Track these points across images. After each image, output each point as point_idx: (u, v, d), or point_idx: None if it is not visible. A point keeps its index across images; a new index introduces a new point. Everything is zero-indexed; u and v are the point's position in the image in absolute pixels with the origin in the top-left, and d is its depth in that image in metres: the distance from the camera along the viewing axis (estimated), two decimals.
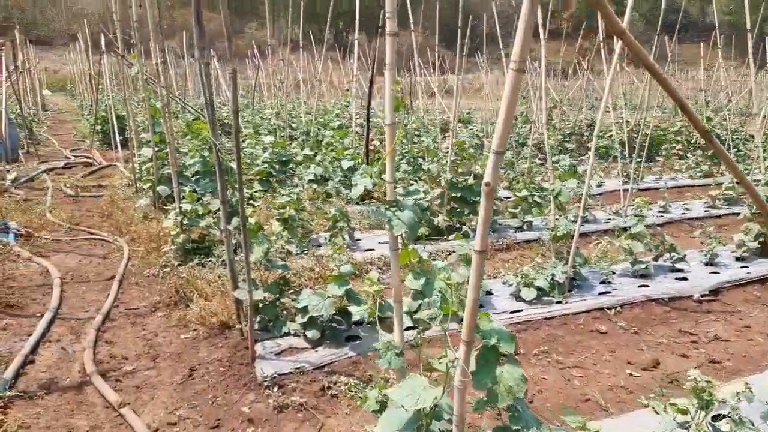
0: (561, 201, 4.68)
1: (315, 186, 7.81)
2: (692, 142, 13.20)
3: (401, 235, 2.21)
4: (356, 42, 8.20)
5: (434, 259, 5.47)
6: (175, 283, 4.77)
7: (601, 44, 8.31)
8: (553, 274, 4.49)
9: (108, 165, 11.30)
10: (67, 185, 9.34)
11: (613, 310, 4.47)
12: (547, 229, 6.72)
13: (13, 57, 12.92)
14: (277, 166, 7.57)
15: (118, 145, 11.64)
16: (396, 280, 2.45)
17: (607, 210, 7.62)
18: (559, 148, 12.14)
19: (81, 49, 17.76)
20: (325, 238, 6.18)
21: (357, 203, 7.73)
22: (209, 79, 3.59)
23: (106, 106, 13.39)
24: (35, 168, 10.85)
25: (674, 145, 12.95)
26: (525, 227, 6.78)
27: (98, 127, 13.79)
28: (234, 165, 3.58)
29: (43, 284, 5.10)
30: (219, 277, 4.94)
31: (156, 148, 6.87)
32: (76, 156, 12.59)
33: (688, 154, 12.62)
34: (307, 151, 8.03)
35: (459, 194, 6.28)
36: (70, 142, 15.71)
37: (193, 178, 6.51)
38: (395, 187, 2.42)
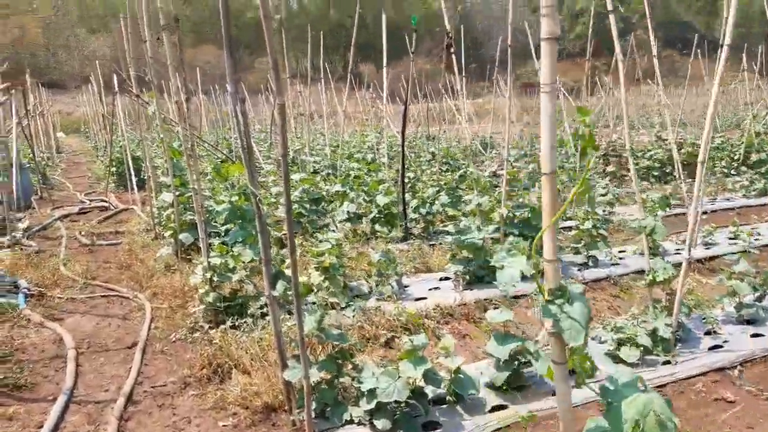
0: (656, 239, 3.98)
1: (349, 224, 7.17)
2: (735, 158, 12.47)
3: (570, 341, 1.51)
4: (385, 69, 7.64)
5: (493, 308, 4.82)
6: (207, 353, 4.10)
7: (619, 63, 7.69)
8: (655, 328, 3.77)
9: (124, 209, 10.77)
10: (82, 233, 8.79)
11: (734, 370, 3.73)
12: (614, 265, 6.03)
13: (24, 101, 12.55)
14: (307, 206, 6.95)
15: (134, 186, 11.14)
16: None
17: (674, 240, 6.89)
18: (597, 171, 11.46)
19: (94, 90, 17.47)
20: (369, 286, 5.50)
21: (399, 241, 7.07)
22: (246, 119, 2.97)
23: (120, 147, 12.94)
24: (49, 215, 10.33)
25: (717, 162, 12.21)
26: (590, 263, 6.07)
27: (113, 169, 13.34)
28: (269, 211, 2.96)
29: (56, 356, 4.45)
30: (258, 341, 4.27)
31: (177, 193, 6.29)
32: (91, 200, 12.11)
33: (732, 171, 11.88)
34: (338, 187, 7.42)
35: (516, 230, 5.60)
36: (85, 185, 15.29)
37: (222, 227, 5.90)
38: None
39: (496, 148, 16.88)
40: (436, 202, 7.69)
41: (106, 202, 11.53)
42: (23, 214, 10.06)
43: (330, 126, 17.76)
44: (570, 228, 7.50)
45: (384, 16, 7.95)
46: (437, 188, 7.88)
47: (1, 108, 7.47)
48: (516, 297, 5.46)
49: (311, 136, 15.12)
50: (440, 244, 7.12)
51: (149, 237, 8.16)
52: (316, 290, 4.89)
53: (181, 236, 6.22)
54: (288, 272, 3.97)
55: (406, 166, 7.24)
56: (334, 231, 7.30)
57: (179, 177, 6.35)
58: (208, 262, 4.57)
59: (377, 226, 7.37)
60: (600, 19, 12.70)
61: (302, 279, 4.80)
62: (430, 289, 5.53)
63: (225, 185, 5.00)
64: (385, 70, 7.63)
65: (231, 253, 4.78)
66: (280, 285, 3.15)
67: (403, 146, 7.17)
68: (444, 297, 5.34)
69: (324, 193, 7.33)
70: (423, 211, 7.53)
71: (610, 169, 11.65)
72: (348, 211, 7.16)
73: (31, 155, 13.23)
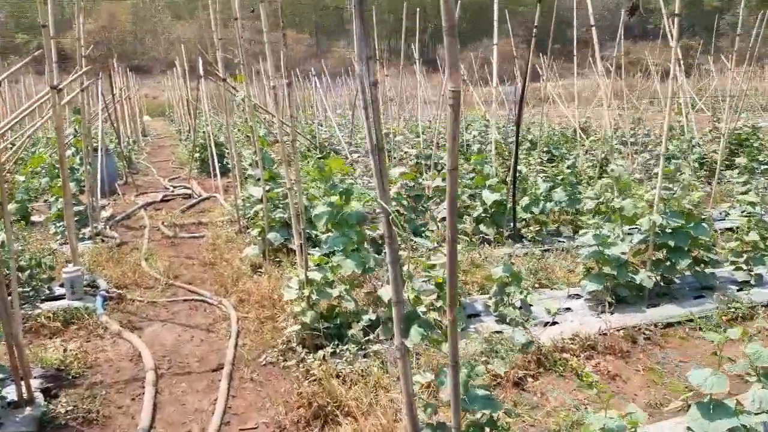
0: None
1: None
2: None
3: None
4: (495, 47, 6.67)
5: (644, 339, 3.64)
6: (305, 392, 3.38)
7: None
8: None
9: (207, 197, 10.39)
10: (165, 223, 8.40)
11: None
12: None
13: (110, 85, 12.44)
14: (405, 203, 6.15)
15: (218, 173, 10.74)
16: None
17: None
18: (726, 162, 10.00)
19: (178, 74, 17.40)
20: (484, 303, 4.66)
21: (507, 244, 6.17)
22: (377, 105, 2.17)
23: (204, 132, 12.63)
24: (132, 203, 10.09)
25: None
26: (753, 282, 4.94)
27: (196, 155, 13.07)
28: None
29: (133, 378, 3.89)
30: (363, 376, 3.52)
31: (266, 188, 5.64)
32: (174, 186, 11.87)
33: None
34: (438, 182, 6.57)
35: (671, 241, 4.56)
36: (169, 169, 15.21)
37: (324, 235, 5.21)
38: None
39: (592, 134, 15.43)
40: (550, 199, 6.70)
41: (188, 188, 11.23)
42: (107, 201, 9.86)
43: (408, 111, 16.91)
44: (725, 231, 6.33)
45: None
46: (550, 183, 6.87)
47: (84, 93, 7.08)
48: (669, 325, 4.45)
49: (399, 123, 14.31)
50: (558, 250, 6.16)
51: (233, 230, 7.65)
52: (426, 310, 4.09)
53: (269, 235, 5.58)
54: (421, 310, 3.22)
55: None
56: (432, 231, 6.48)
57: (268, 170, 5.70)
58: (306, 276, 3.85)
59: (482, 227, 6.48)
60: None
61: (406, 293, 4.02)
62: (559, 311, 4.61)
63: (329, 188, 4.24)
64: (495, 48, 6.66)
65: (330, 263, 4.04)
66: (416, 333, 2.36)
67: (517, 135, 6.22)
68: (580, 322, 4.40)
69: (424, 189, 6.50)
70: (535, 210, 6.56)
71: (740, 160, 10.14)
72: None
73: (116, 140, 13.15)
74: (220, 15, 7.65)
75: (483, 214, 6.47)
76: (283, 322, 4.49)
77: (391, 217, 2.22)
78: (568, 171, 7.03)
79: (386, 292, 3.91)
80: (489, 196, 6.32)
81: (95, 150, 9.38)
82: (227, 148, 13.47)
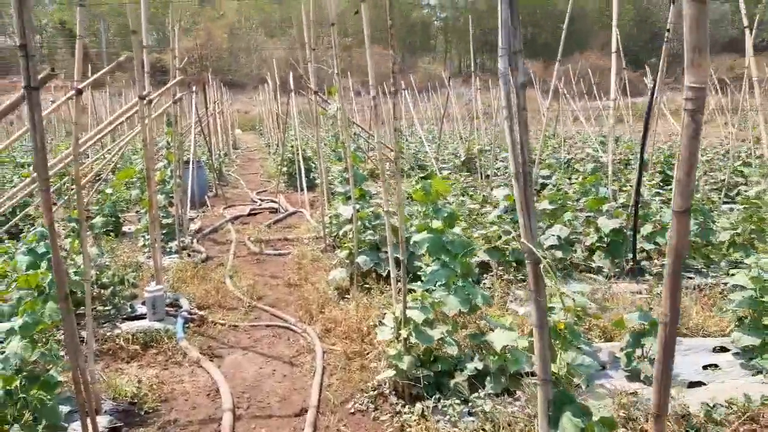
0: None
1: (560, 253, 5.61)
2: None
3: None
4: (613, 56, 5.93)
5: None
6: None
7: None
8: None
9: (294, 212, 10.17)
10: (251, 238, 8.19)
11: None
12: None
13: (204, 99, 12.61)
14: (510, 229, 5.51)
15: (305, 187, 10.53)
16: None
17: None
18: None
19: (269, 89, 17.56)
20: (610, 353, 3.94)
21: (625, 278, 5.39)
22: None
23: (292, 146, 12.52)
24: (220, 216, 10.03)
25: None
26: None
27: (284, 169, 12.99)
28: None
29: (209, 418, 3.49)
30: None
31: (356, 206, 5.19)
32: (261, 199, 11.79)
33: None
34: (545, 205, 5.89)
35: None
36: (257, 182, 15.29)
37: (423, 264, 4.69)
38: None
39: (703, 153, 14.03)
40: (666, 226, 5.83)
41: (275, 202, 11.08)
42: (196, 214, 9.84)
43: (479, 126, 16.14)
44: None
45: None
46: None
47: (177, 105, 6.98)
48: None
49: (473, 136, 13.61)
50: (690, 288, 5.31)
51: (318, 248, 7.29)
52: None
53: (358, 259, 5.12)
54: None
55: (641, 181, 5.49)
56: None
57: (359, 187, 5.25)
58: (404, 314, 3.32)
59: (596, 258, 5.72)
60: None
61: (515, 340, 3.40)
62: (704, 367, 3.81)
63: (432, 212, 3.70)
64: (613, 57, 5.92)
65: (432, 299, 3.49)
66: (570, 424, 1.76)
67: (642, 154, 5.43)
68: (732, 384, 3.60)
69: None
70: (660, 240, 5.72)
71: None
72: (558, 236, 5.60)
73: (208, 152, 13.31)
74: (313, 28, 7.40)
75: (598, 243, 5.71)
76: (373, 361, 3.99)
77: (542, 265, 1.64)
78: (697, 195, 6.13)
79: (498, 338, 3.32)
80: (606, 223, 5.56)
81: (187, 162, 9.39)
82: (314, 163, 13.41)
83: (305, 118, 14.73)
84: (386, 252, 5.16)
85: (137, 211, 8.56)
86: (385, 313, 4.50)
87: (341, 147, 5.59)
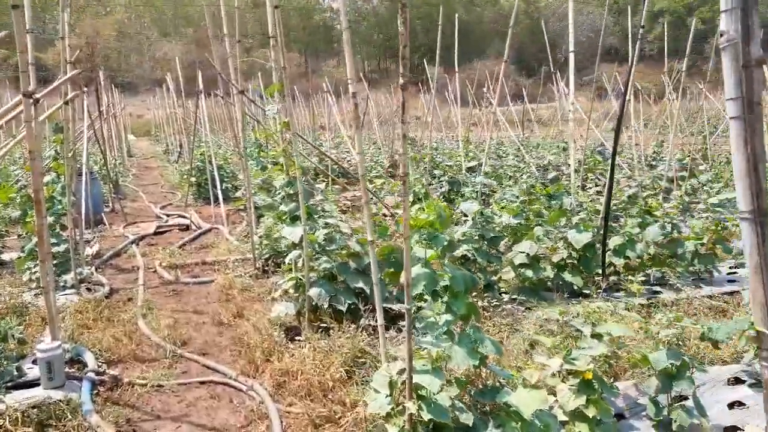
0: None
1: (530, 273, 5.05)
2: None
3: None
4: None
5: None
6: None
7: None
8: None
9: (209, 229, 9.02)
10: (163, 264, 7.04)
11: None
12: None
13: (97, 101, 11.08)
14: (479, 246, 4.88)
15: (220, 199, 9.43)
16: None
17: None
18: None
19: (171, 91, 16.03)
20: (626, 394, 3.39)
21: (597, 296, 4.93)
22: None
23: (202, 154, 11.30)
24: (121, 236, 8.70)
25: None
26: None
27: (192, 179, 11.71)
28: None
29: None
30: None
31: (305, 227, 4.33)
32: (168, 215, 10.48)
33: None
34: (507, 219, 5.31)
35: None
36: (159, 194, 13.82)
37: (423, 311, 3.92)
38: None
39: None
40: (642, 239, 5.48)
41: (186, 218, 9.84)
42: (92, 234, 8.46)
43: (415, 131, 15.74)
44: None
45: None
46: (638, 219, 5.66)
47: (69, 106, 5.76)
48: None
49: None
50: (666, 304, 4.94)
51: (247, 273, 6.33)
52: (570, 421, 2.82)
53: (311, 291, 4.26)
54: None
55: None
56: (505, 282, 5.22)
57: (307, 205, 4.39)
58: (409, 379, 2.53)
59: (567, 275, 5.23)
60: (680, 20, 10.53)
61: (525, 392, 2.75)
62: (730, 406, 3.34)
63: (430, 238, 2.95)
64: (571, 56, 5.48)
65: (430, 349, 2.74)
66: None
67: (613, 160, 5.00)
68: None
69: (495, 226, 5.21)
70: (631, 253, 5.33)
71: None
72: (528, 254, 5.04)
73: (102, 161, 11.72)
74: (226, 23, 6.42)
75: (569, 260, 5.23)
76: (351, 428, 3.17)
77: None
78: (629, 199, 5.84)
79: (523, 401, 2.63)
80: (578, 238, 5.08)
81: (79, 174, 8.02)
82: (226, 172, 12.24)
83: (217, 121, 13.48)
84: (345, 283, 4.35)
85: (20, 235, 7.13)
86: (353, 364, 3.72)
87: (276, 154, 4.70)
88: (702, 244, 5.68)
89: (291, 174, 4.45)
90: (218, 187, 9.14)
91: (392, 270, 4.23)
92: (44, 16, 44.07)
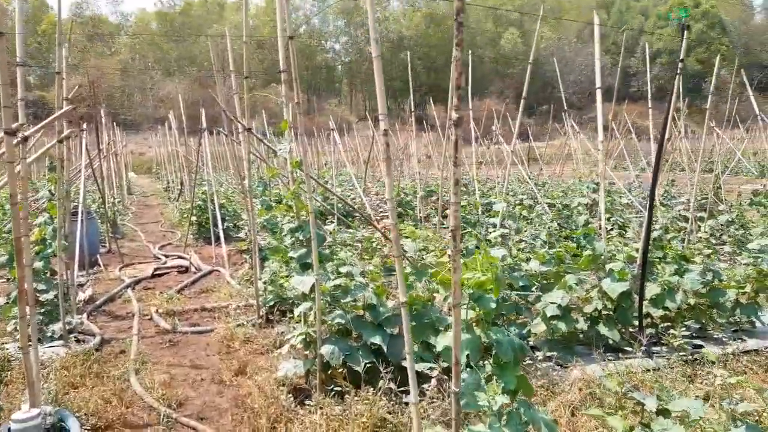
0: None
1: (563, 325, 4.60)
2: None
3: None
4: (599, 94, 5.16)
5: None
6: None
7: None
8: None
9: (209, 271, 8.58)
10: (160, 310, 6.58)
11: None
12: None
13: (97, 139, 10.79)
14: (509, 298, 4.45)
15: (221, 238, 9.02)
16: None
17: None
18: None
19: (173, 128, 15.79)
20: None
21: (633, 353, 4.46)
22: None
23: (203, 192, 10.93)
24: (117, 279, 8.26)
25: None
26: None
27: (192, 218, 11.31)
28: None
29: None
30: None
31: (317, 276, 3.90)
32: (166, 255, 10.05)
33: None
34: (536, 265, 4.88)
35: None
36: (158, 233, 13.41)
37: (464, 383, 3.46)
38: None
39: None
40: (679, 288, 5.04)
41: (185, 259, 9.41)
42: (86, 278, 8.01)
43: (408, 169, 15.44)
44: None
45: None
46: (674, 266, 5.24)
47: (64, 144, 5.40)
48: None
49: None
50: (708, 360, 4.47)
51: (250, 321, 5.87)
52: None
53: (323, 349, 3.80)
54: None
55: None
56: (535, 335, 4.77)
57: (325, 253, 3.98)
58: None
59: (601, 328, 4.77)
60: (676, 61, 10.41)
61: None
62: None
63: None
64: (599, 93, 5.15)
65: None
66: None
67: (651, 200, 4.61)
68: None
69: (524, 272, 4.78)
70: (671, 303, 4.88)
71: None
72: (560, 305, 4.60)
73: (100, 200, 11.33)
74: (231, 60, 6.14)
75: (604, 311, 4.78)
76: None
77: None
78: (701, 245, 5.42)
79: None
80: (613, 287, 4.65)
81: (75, 214, 7.63)
82: (227, 210, 11.86)
83: (218, 160, 13.19)
84: (360, 338, 3.90)
85: (8, 279, 6.69)
86: None
87: (287, 196, 4.31)
88: (743, 293, 5.25)
89: (302, 217, 4.05)
90: (219, 226, 8.74)
91: (415, 325, 3.80)
92: (48, 56, 44.48)
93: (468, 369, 2.54)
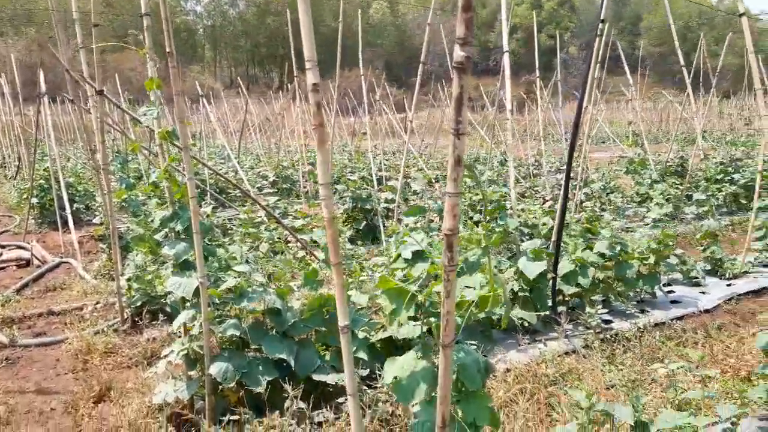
0: None
1: (478, 313, 4.19)
2: None
3: None
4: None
5: None
6: None
7: None
8: None
9: (57, 264, 7.23)
10: None
11: None
12: None
13: None
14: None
15: (70, 223, 7.66)
16: None
17: None
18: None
19: (6, 93, 13.46)
20: None
21: (547, 335, 4.19)
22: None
23: (45, 169, 9.31)
24: None
25: None
26: None
27: (33, 199, 9.61)
28: None
29: None
30: None
31: (202, 278, 3.09)
32: (2, 245, 8.43)
33: None
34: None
35: None
36: None
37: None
38: None
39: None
40: (589, 263, 4.86)
41: (26, 249, 7.90)
42: None
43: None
44: None
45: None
46: (582, 238, 5.05)
47: None
48: None
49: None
50: (621, 336, 4.33)
51: (111, 326, 4.87)
52: None
53: (213, 368, 3.03)
54: None
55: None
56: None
57: (210, 246, 3.16)
58: None
59: (518, 310, 4.45)
60: (532, 36, 10.99)
61: None
62: None
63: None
64: (506, 57, 4.73)
65: None
66: None
67: (568, 173, 4.30)
68: None
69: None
70: (583, 280, 4.67)
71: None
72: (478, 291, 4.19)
73: None
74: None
75: (520, 293, 4.45)
76: None
77: None
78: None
79: None
80: (530, 267, 4.31)
81: None
82: (78, 191, 10.26)
83: (62, 132, 11.37)
84: (258, 353, 3.18)
85: None
86: None
87: (163, 177, 3.40)
88: (645, 264, 5.21)
89: (176, 203, 3.19)
90: (67, 209, 7.38)
91: (326, 330, 3.17)
92: None
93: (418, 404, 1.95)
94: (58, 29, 5.63)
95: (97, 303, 5.55)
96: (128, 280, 4.93)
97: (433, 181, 8.74)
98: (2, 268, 7.26)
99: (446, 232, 1.14)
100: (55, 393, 3.95)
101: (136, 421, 3.16)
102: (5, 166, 18.56)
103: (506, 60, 4.85)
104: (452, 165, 1.08)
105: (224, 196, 10.12)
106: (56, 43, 5.69)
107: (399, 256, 3.18)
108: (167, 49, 2.72)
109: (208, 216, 5.66)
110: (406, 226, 4.28)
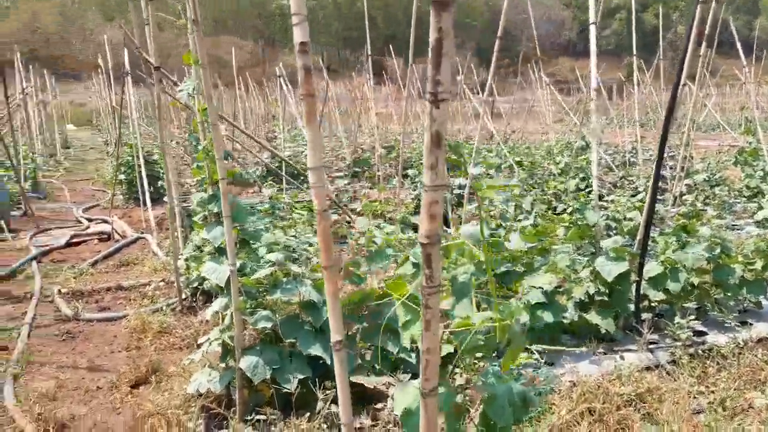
0: None
1: (547, 316, 3.73)
2: None
3: None
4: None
5: None
6: None
7: None
8: None
9: (134, 239, 7.44)
10: (64, 289, 5.48)
11: None
12: None
13: (3, 87, 9.29)
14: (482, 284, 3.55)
15: (148, 200, 7.83)
16: None
17: None
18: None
19: (102, 74, 14.17)
20: None
21: (624, 345, 3.67)
22: None
23: (131, 146, 9.64)
24: (25, 248, 7.04)
25: None
26: None
27: (121, 176, 10.01)
28: None
29: None
30: None
31: (232, 266, 2.88)
32: (89, 219, 8.83)
33: None
34: (518, 242, 3.95)
35: None
36: (88, 193, 12.07)
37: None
38: None
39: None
40: (683, 264, 4.23)
41: (108, 223, 8.20)
42: None
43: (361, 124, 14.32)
44: None
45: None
46: (672, 238, 4.43)
47: None
48: None
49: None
50: (717, 352, 3.72)
51: (170, 305, 4.85)
52: None
53: (243, 362, 2.83)
54: None
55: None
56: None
57: (237, 229, 2.95)
58: None
59: (592, 316, 3.95)
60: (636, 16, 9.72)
61: None
62: None
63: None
64: (592, 28, 4.19)
65: None
66: None
67: (659, 165, 3.74)
68: None
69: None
70: (672, 285, 4.08)
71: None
72: (545, 291, 3.74)
73: (8, 158, 9.82)
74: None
75: (596, 296, 3.94)
76: None
77: None
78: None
79: None
80: (608, 268, 3.79)
81: None
82: (161, 168, 10.58)
83: (152, 109, 11.81)
84: (295, 348, 2.94)
85: None
86: None
87: (202, 157, 3.21)
88: (751, 269, 4.50)
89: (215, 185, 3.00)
90: (145, 186, 7.54)
91: (366, 326, 2.88)
92: None
93: None
94: (131, 7, 5.66)
95: (162, 281, 5.60)
96: (186, 261, 4.88)
97: (512, 166, 8.20)
98: (85, 241, 7.56)
99: (422, 240, 0.79)
100: (104, 371, 3.94)
101: (167, 411, 3.03)
102: (108, 143, 19.74)
103: (593, 32, 4.30)
104: (428, 146, 0.73)
105: (300, 180, 10.06)
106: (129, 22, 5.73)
107: (407, 258, 2.78)
108: (191, 17, 2.50)
109: (271, 198, 5.52)
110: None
